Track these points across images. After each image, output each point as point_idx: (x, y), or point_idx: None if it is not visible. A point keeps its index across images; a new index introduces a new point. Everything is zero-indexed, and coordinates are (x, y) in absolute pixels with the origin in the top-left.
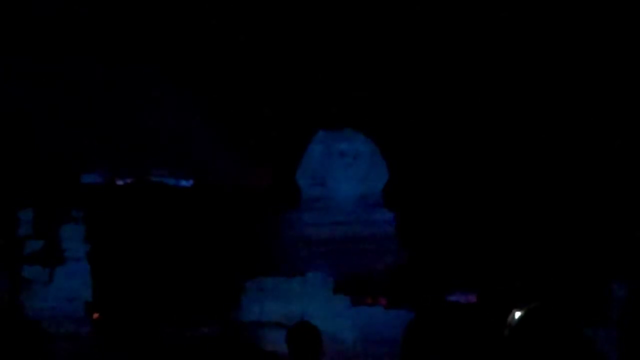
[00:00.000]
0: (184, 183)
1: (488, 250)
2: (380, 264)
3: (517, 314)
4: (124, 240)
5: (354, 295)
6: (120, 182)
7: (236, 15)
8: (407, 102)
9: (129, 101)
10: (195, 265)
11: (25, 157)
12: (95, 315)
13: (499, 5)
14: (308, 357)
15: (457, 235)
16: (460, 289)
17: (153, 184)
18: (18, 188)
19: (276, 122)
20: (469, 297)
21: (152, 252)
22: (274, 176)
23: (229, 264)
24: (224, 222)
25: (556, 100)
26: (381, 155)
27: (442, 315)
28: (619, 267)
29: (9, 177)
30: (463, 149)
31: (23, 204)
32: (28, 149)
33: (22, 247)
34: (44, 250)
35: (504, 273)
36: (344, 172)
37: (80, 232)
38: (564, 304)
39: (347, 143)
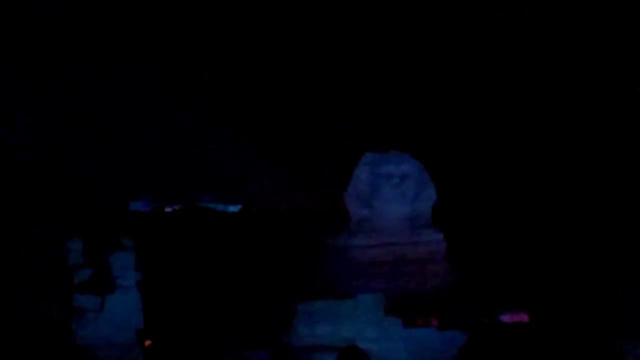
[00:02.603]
0: (232, 208)
1: (539, 269)
2: (431, 284)
3: None
4: (173, 267)
5: (405, 317)
6: (168, 209)
7: (278, 38)
8: (454, 122)
9: (175, 128)
10: (245, 290)
11: (74, 187)
12: (147, 343)
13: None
14: None
15: (507, 254)
16: (511, 308)
17: (201, 210)
18: (68, 217)
19: (323, 145)
20: (520, 316)
21: (202, 278)
22: (322, 199)
23: (279, 288)
24: (273, 247)
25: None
26: (429, 175)
27: (495, 336)
28: None
29: (59, 206)
30: (512, 168)
31: (73, 233)
32: (76, 178)
33: (72, 275)
34: (95, 278)
35: (555, 291)
36: (392, 194)
37: (130, 260)
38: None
39: (394, 165)
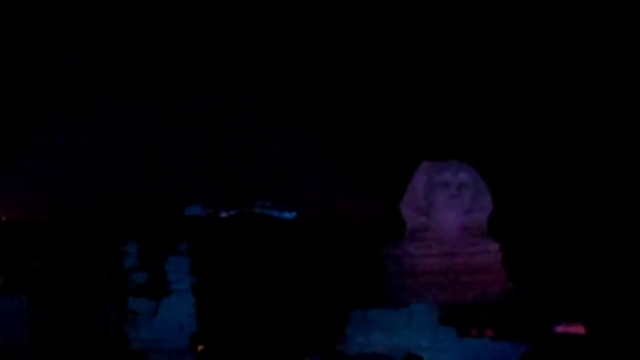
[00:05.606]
0: (287, 215)
1: (595, 279)
2: (486, 295)
3: None
4: (228, 272)
5: (459, 327)
6: (223, 214)
7: (341, 54)
8: (511, 131)
9: (232, 134)
10: (299, 297)
11: (130, 191)
12: (200, 347)
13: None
14: None
15: (563, 264)
16: (567, 319)
17: (256, 216)
18: (123, 221)
19: (379, 153)
20: (576, 327)
21: (256, 284)
22: (378, 208)
23: (333, 296)
24: (327, 254)
25: None
26: (485, 185)
27: (550, 347)
28: None
29: (115, 210)
30: (571, 178)
31: (128, 237)
32: (132, 182)
33: (127, 279)
34: (150, 282)
35: (611, 302)
36: (448, 203)
37: (185, 265)
38: None
39: (450, 174)
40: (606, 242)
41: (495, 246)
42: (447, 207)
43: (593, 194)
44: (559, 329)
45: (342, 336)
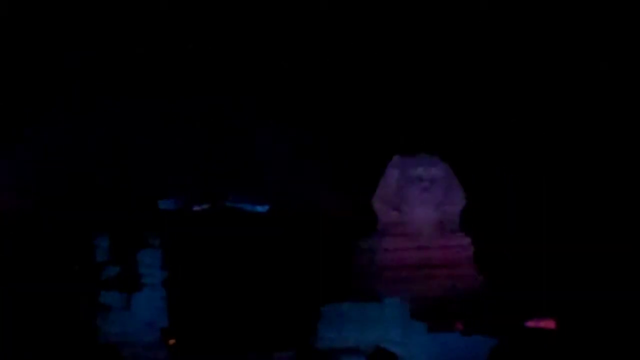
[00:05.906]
0: (259, 209)
1: (566, 274)
2: (457, 289)
3: None
4: (200, 266)
5: (430, 321)
6: (196, 208)
7: (319, 52)
8: (484, 126)
9: (206, 128)
10: (271, 290)
11: (103, 184)
12: (171, 341)
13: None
14: None
15: (534, 259)
16: (538, 314)
17: (229, 210)
18: (96, 214)
19: (352, 147)
20: (547, 322)
21: (228, 277)
22: (350, 202)
23: (304, 290)
24: (300, 248)
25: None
26: (457, 179)
27: (521, 342)
28: None
29: (87, 203)
30: (541, 173)
31: (100, 230)
32: (105, 175)
33: (99, 272)
34: (121, 276)
35: (582, 297)
36: (420, 197)
37: (157, 258)
38: None
39: (423, 168)
40: (579, 237)
41: (467, 240)
42: (419, 202)
43: (565, 188)
44: (530, 323)
45: (314, 330)
